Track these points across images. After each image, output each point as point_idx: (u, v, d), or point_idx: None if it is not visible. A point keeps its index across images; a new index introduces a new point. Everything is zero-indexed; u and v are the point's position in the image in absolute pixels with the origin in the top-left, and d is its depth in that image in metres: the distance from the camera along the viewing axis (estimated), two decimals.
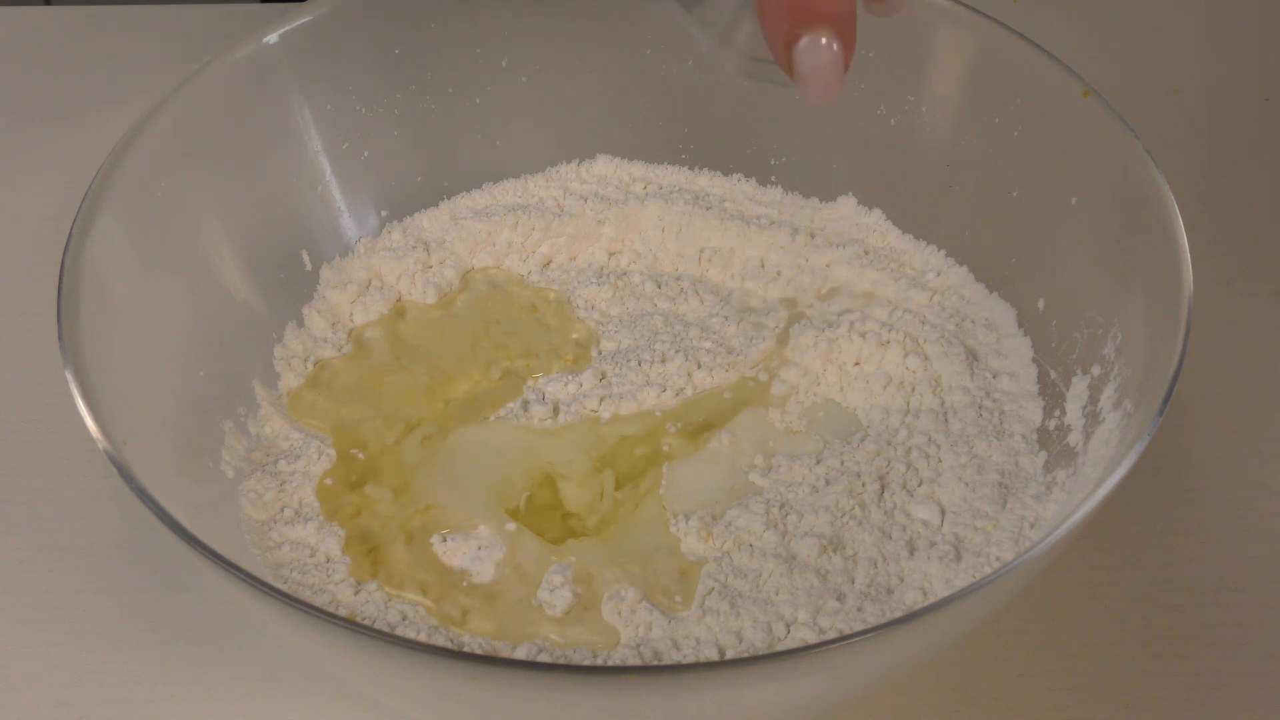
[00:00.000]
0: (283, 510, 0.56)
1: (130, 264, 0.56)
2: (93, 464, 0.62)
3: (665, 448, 0.59)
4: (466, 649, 0.52)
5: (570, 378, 0.61)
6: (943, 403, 0.59)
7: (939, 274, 0.63)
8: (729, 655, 0.51)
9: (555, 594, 0.54)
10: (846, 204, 0.66)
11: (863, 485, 0.56)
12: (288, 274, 0.62)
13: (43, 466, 0.63)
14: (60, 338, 0.51)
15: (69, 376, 0.50)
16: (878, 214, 0.66)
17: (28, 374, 0.66)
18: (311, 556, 0.54)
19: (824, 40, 0.46)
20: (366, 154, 0.65)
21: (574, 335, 0.63)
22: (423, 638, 0.52)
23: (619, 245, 0.67)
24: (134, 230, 0.56)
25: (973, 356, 0.60)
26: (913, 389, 0.60)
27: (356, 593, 0.53)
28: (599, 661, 0.51)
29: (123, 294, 0.55)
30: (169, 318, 0.57)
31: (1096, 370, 0.55)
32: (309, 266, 0.63)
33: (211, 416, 0.57)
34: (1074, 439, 0.55)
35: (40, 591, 0.59)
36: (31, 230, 0.72)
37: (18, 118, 0.78)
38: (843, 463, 0.57)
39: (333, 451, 0.59)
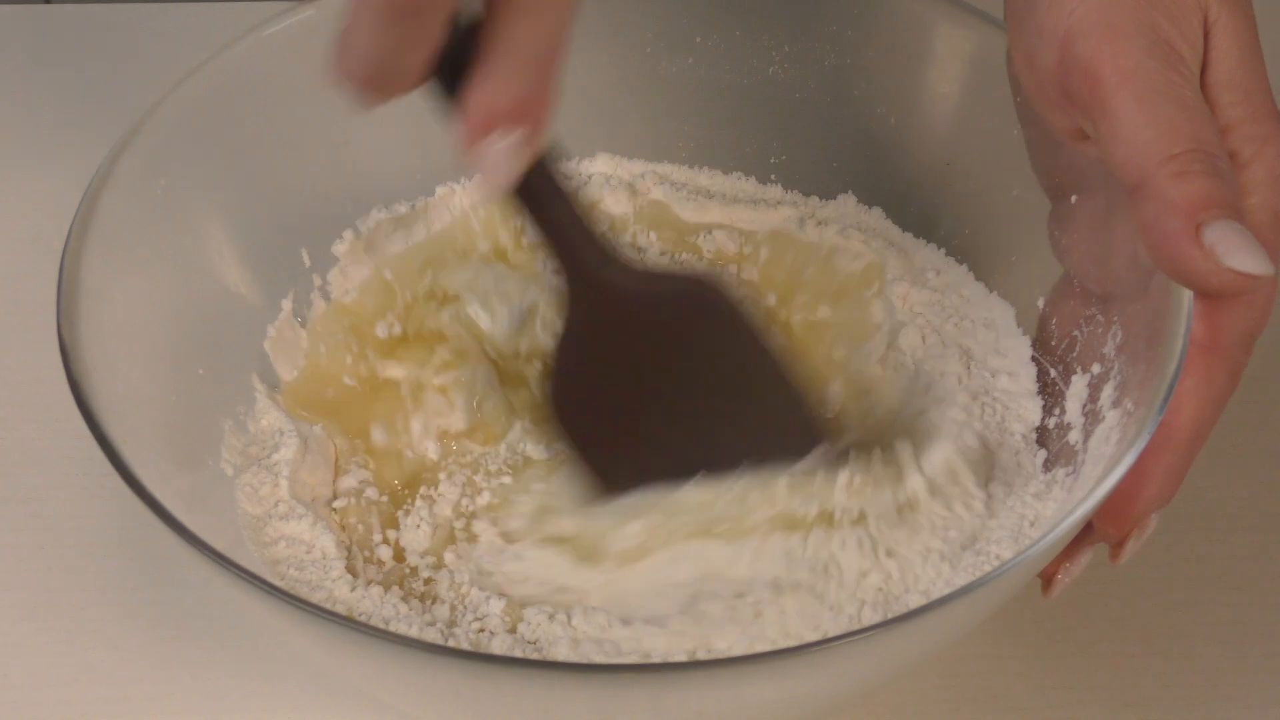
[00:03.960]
0: (277, 505, 0.56)
1: (130, 263, 0.56)
2: (92, 463, 0.62)
3: None
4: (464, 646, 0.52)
5: None
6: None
7: (938, 272, 0.63)
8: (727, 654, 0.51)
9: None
10: (846, 202, 0.66)
11: None
12: (287, 272, 0.62)
13: (43, 466, 0.63)
14: (60, 337, 0.51)
15: (68, 375, 0.50)
16: (877, 212, 0.66)
17: (27, 374, 0.66)
18: (308, 553, 0.54)
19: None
20: (366, 151, 0.65)
21: None
22: (414, 633, 0.51)
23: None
24: (134, 230, 0.56)
25: (971, 356, 0.60)
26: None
27: (353, 589, 0.53)
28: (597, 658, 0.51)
29: (122, 293, 0.55)
30: (168, 316, 0.57)
31: (1096, 369, 0.55)
32: (309, 264, 0.63)
33: (211, 414, 0.57)
34: (1074, 437, 0.55)
35: (40, 590, 0.59)
36: (31, 230, 0.72)
37: (18, 118, 0.78)
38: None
39: (329, 445, 0.58)
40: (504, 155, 0.47)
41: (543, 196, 0.51)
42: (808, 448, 0.54)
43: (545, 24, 0.46)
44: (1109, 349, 0.55)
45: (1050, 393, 0.58)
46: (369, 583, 0.54)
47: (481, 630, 0.52)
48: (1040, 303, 0.59)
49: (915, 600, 0.52)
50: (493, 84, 0.46)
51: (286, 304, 0.62)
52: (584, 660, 0.50)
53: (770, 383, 0.55)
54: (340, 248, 0.64)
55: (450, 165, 0.66)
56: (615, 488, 0.55)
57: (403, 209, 0.65)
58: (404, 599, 0.53)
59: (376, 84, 0.46)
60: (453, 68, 0.47)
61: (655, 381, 0.55)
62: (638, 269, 0.53)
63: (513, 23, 0.46)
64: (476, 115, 0.47)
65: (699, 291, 0.54)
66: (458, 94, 0.47)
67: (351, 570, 0.54)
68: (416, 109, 0.66)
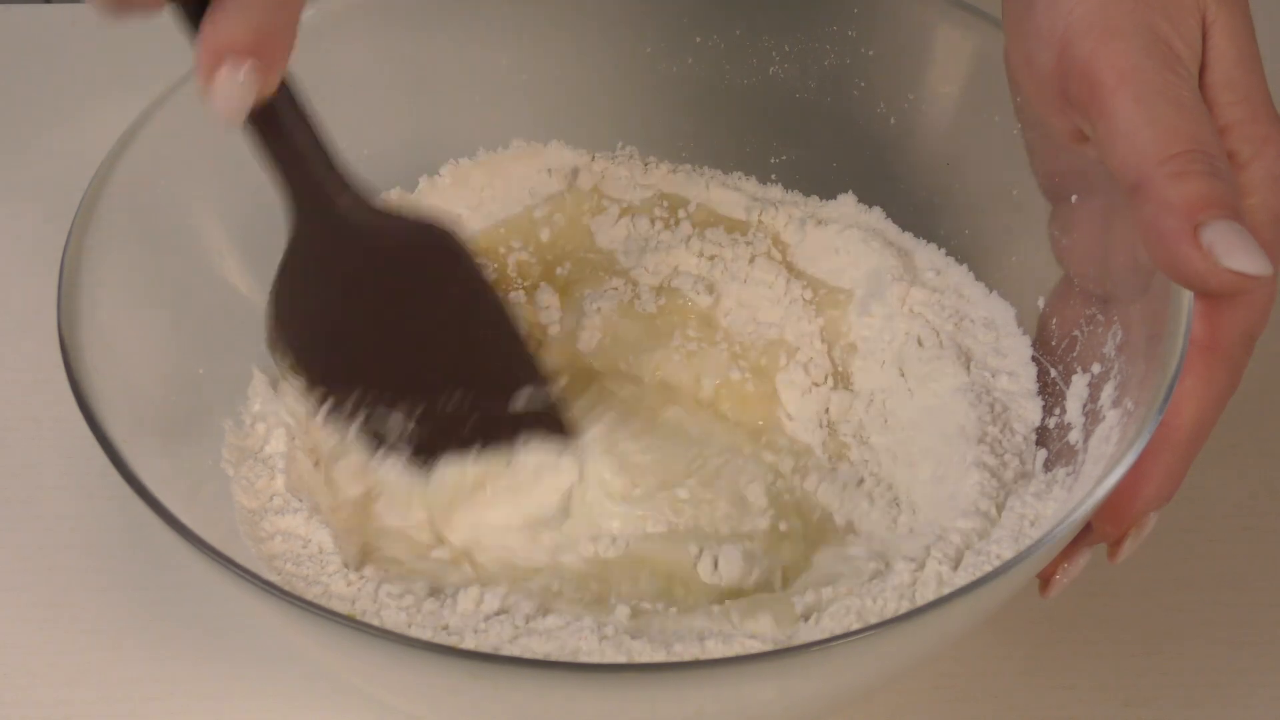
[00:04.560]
0: (273, 499, 0.55)
1: (130, 263, 0.56)
2: (92, 463, 0.61)
3: None
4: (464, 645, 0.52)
5: None
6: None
7: (939, 273, 0.63)
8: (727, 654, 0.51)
9: None
10: (847, 202, 0.66)
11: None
12: None
13: (42, 466, 0.63)
14: (60, 337, 0.51)
15: (68, 375, 0.50)
16: (877, 212, 0.66)
17: (27, 374, 0.66)
18: (304, 547, 0.54)
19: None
20: (367, 152, 0.64)
21: None
22: (413, 632, 0.51)
23: None
24: (134, 229, 0.57)
25: (971, 356, 0.60)
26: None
27: (349, 584, 0.53)
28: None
29: (123, 293, 0.55)
30: (168, 316, 0.57)
31: (1096, 368, 0.55)
32: None
33: (211, 414, 0.57)
34: (1074, 437, 0.55)
35: (39, 590, 0.59)
36: (31, 230, 0.72)
37: (18, 117, 0.78)
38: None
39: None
40: (233, 89, 0.48)
41: (277, 126, 0.51)
42: (521, 385, 0.57)
43: None
44: (1109, 349, 0.55)
45: (1050, 393, 0.58)
46: (361, 564, 0.54)
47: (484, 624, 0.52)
48: (1040, 303, 0.59)
49: (915, 601, 0.52)
50: (225, 18, 0.47)
51: None
52: (583, 660, 0.50)
53: (490, 326, 0.57)
54: None
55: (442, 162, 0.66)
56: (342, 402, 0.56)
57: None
58: (400, 596, 0.53)
59: (124, 3, 0.47)
60: None
61: (382, 316, 0.56)
62: (372, 204, 0.54)
63: None
64: (207, 48, 0.48)
65: (429, 234, 0.55)
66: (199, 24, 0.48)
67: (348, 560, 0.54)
68: (419, 111, 0.66)
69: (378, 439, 0.56)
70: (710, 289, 0.62)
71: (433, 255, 0.56)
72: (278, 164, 0.52)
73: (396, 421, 0.56)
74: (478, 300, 0.57)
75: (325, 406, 0.56)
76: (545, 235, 0.65)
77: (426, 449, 0.56)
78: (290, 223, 0.54)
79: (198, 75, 0.48)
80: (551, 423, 0.57)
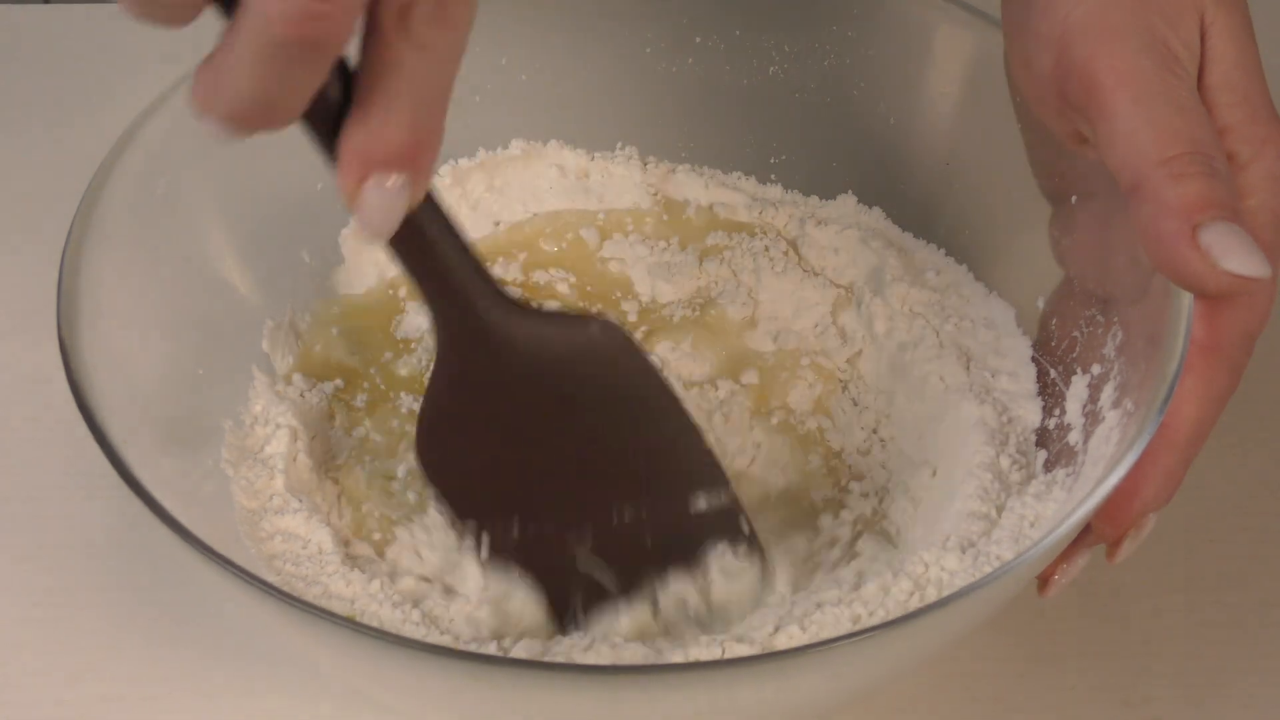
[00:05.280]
0: (272, 499, 0.55)
1: (130, 263, 0.56)
2: (91, 463, 0.61)
3: None
4: (465, 647, 0.52)
5: None
6: None
7: (938, 273, 0.63)
8: (726, 654, 0.51)
9: None
10: (846, 202, 0.66)
11: None
12: (288, 271, 0.62)
13: (41, 466, 0.63)
14: (60, 337, 0.51)
15: (67, 375, 0.50)
16: (877, 212, 0.66)
17: (26, 373, 0.66)
18: (304, 548, 0.54)
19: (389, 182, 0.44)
20: None
21: None
22: (418, 635, 0.51)
23: None
24: (134, 230, 0.57)
25: (971, 356, 0.60)
26: None
27: (349, 584, 0.53)
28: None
29: (122, 293, 0.55)
30: (168, 316, 0.57)
31: (1096, 369, 0.55)
32: (309, 263, 0.63)
33: (211, 414, 0.57)
34: (1074, 438, 0.55)
35: (39, 590, 0.59)
36: (32, 230, 0.72)
37: (18, 118, 0.78)
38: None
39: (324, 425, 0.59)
40: (382, 202, 0.43)
41: (421, 238, 0.48)
42: (710, 486, 0.53)
43: (433, 62, 0.42)
44: (1109, 350, 0.55)
45: (1050, 393, 0.58)
46: (349, 534, 0.54)
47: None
48: (1040, 303, 0.59)
49: (915, 601, 0.52)
50: (371, 127, 0.43)
51: (286, 303, 0.62)
52: (584, 661, 0.50)
53: (671, 424, 0.53)
54: (343, 244, 0.64)
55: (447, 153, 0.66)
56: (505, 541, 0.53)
57: None
58: (399, 603, 0.53)
59: (248, 121, 0.42)
60: (329, 106, 0.43)
61: (551, 427, 0.52)
62: (529, 310, 0.51)
63: (396, 59, 0.42)
64: (352, 160, 0.43)
65: (593, 332, 0.52)
66: (334, 135, 0.44)
67: (349, 552, 0.54)
68: None
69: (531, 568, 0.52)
70: (749, 295, 0.63)
71: (597, 355, 0.52)
72: (424, 278, 0.48)
73: (555, 547, 0.52)
74: (650, 399, 0.53)
75: (481, 540, 0.52)
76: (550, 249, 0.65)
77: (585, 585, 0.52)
78: (438, 338, 0.50)
79: (341, 187, 0.43)
80: (734, 529, 0.53)
